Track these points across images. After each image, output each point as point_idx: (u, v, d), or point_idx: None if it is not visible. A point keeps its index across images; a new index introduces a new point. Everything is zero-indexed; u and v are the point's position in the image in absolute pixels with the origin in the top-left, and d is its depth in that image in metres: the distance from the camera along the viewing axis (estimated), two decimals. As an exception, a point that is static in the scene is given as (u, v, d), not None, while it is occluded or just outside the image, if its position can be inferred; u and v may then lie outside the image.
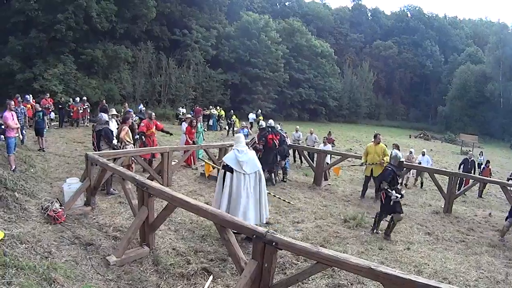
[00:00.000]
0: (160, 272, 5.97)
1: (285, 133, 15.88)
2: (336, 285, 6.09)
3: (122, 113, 17.25)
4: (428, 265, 7.48)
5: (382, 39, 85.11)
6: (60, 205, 7.81)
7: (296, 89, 57.70)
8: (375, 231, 9.07)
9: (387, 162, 11.38)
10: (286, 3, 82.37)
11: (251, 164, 7.40)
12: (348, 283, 6.15)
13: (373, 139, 12.59)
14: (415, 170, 16.74)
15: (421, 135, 58.43)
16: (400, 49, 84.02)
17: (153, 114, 14.29)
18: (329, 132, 21.80)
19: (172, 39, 45.65)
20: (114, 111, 13.22)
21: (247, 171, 7.28)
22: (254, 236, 4.56)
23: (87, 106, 25.45)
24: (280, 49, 54.35)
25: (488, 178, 15.61)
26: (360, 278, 6.11)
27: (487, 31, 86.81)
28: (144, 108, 26.15)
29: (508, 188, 12.31)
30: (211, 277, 5.88)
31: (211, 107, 34.11)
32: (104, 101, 27.10)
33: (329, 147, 17.04)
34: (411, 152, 17.78)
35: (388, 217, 9.05)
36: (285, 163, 14.08)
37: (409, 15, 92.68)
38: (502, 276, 7.51)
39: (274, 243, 4.40)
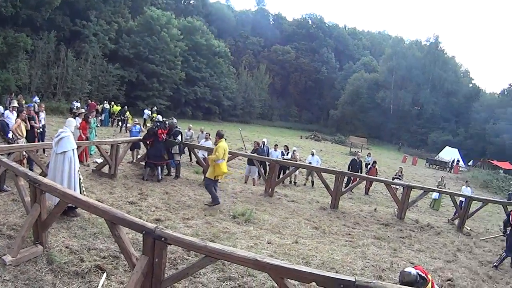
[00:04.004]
0: (54, 271, 5.83)
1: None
2: (227, 278, 6.31)
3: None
4: (316, 256, 7.95)
5: (282, 43, 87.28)
6: None
7: (191, 87, 57.48)
8: (498, 267, 9.91)
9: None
10: (191, 1, 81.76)
11: (60, 145, 7.95)
12: (239, 276, 6.40)
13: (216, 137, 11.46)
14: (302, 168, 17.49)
15: (312, 136, 61.08)
16: (298, 54, 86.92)
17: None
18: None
19: (73, 30, 43.60)
20: (15, 103, 12.60)
21: (56, 150, 7.96)
22: (144, 232, 4.64)
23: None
24: (180, 46, 53.90)
25: (374, 177, 17.11)
26: (250, 271, 6.40)
27: (384, 43, 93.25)
28: (38, 100, 24.83)
29: (392, 186, 14.02)
30: (105, 274, 5.86)
31: (105, 102, 32.97)
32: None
33: (209, 143, 17.14)
34: (294, 151, 18.57)
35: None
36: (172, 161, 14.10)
37: (310, 22, 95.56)
38: (387, 265, 8.23)
39: (163, 239, 4.52)
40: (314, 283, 4.07)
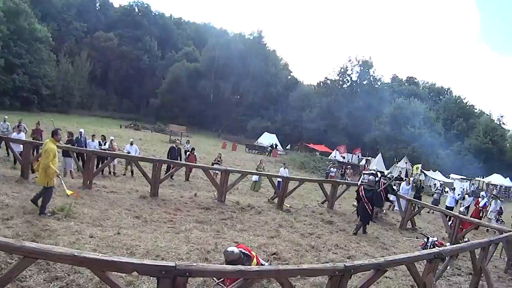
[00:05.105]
0: None
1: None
2: (54, 278, 5.96)
3: None
4: (140, 246, 7.85)
5: (105, 30, 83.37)
6: None
7: (10, 75, 52.57)
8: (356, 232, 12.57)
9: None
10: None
11: None
12: (65, 274, 6.08)
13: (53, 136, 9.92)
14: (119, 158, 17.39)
15: (132, 125, 60.25)
16: (121, 41, 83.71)
17: None
18: (38, 122, 20.49)
19: None
20: None
21: None
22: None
23: None
24: (1, 30, 49.22)
25: (192, 163, 17.68)
26: (76, 268, 6.09)
27: (208, 34, 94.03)
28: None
29: (211, 171, 14.89)
30: None
31: None
32: None
33: (22, 136, 16.01)
34: (112, 140, 18.24)
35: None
36: None
37: (136, 10, 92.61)
38: (212, 246, 8.48)
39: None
40: (135, 272, 4.02)
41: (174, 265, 3.92)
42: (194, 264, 4.15)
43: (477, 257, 8.37)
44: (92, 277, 5.98)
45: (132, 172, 17.93)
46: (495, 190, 36.29)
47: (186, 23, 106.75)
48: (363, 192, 12.96)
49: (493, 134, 63.01)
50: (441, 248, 7.77)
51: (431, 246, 10.89)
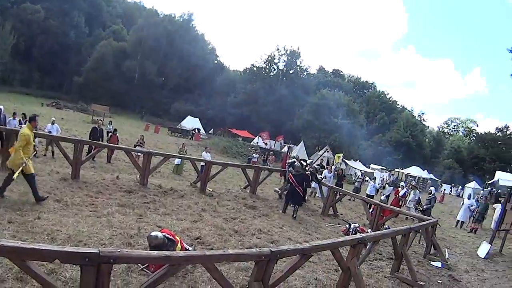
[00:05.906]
0: None
1: None
2: None
3: None
4: (61, 231, 7.52)
5: (32, 1, 78.32)
6: None
7: None
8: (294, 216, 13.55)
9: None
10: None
11: None
12: None
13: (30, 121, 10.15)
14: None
15: (54, 104, 58.24)
16: (47, 15, 79.15)
17: None
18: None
19: None
20: None
21: None
22: None
23: None
24: None
25: (114, 145, 17.29)
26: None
27: (138, 14, 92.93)
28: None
29: (134, 153, 14.81)
30: None
31: None
32: None
33: None
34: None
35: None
36: None
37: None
38: (135, 231, 8.30)
39: None
40: (57, 260, 3.84)
41: (98, 251, 3.76)
42: (119, 250, 4.01)
43: (398, 243, 8.88)
44: (12, 266, 5.62)
45: (53, 152, 17.15)
46: (413, 181, 38.33)
47: (117, 1, 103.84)
48: (293, 178, 13.79)
49: (413, 129, 66.98)
50: (364, 234, 8.11)
51: (353, 232, 11.44)
